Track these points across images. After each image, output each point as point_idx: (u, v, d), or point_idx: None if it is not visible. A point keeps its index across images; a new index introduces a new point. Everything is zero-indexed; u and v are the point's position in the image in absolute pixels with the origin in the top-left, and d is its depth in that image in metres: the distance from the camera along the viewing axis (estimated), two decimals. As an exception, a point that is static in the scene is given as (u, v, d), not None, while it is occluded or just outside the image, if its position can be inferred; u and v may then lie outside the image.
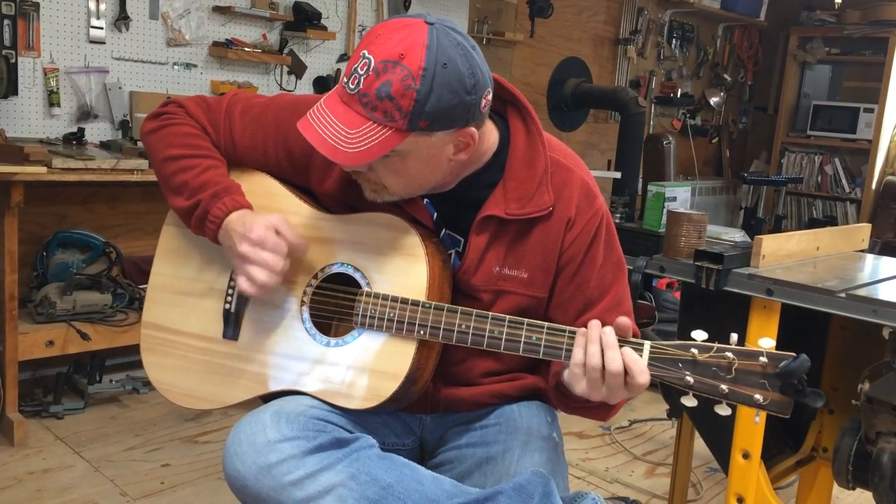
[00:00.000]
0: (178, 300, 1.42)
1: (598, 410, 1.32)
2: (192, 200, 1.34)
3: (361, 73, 1.13)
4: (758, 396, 1.11)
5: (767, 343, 1.13)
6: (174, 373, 1.40)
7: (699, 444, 2.15)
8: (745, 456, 1.78)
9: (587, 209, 1.33)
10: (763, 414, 1.13)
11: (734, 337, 1.14)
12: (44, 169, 2.41)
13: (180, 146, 1.38)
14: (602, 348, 1.16)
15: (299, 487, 1.15)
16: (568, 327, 1.21)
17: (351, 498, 1.15)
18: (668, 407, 2.17)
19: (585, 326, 1.24)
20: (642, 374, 1.14)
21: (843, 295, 1.63)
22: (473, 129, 1.20)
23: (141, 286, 2.87)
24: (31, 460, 2.45)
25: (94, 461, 2.47)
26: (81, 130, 2.93)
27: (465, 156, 1.24)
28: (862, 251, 2.18)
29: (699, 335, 1.15)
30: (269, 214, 1.30)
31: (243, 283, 1.27)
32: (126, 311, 2.85)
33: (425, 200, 1.33)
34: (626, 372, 1.15)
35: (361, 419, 1.30)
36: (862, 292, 1.66)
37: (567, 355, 1.20)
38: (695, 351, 1.14)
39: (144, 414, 2.85)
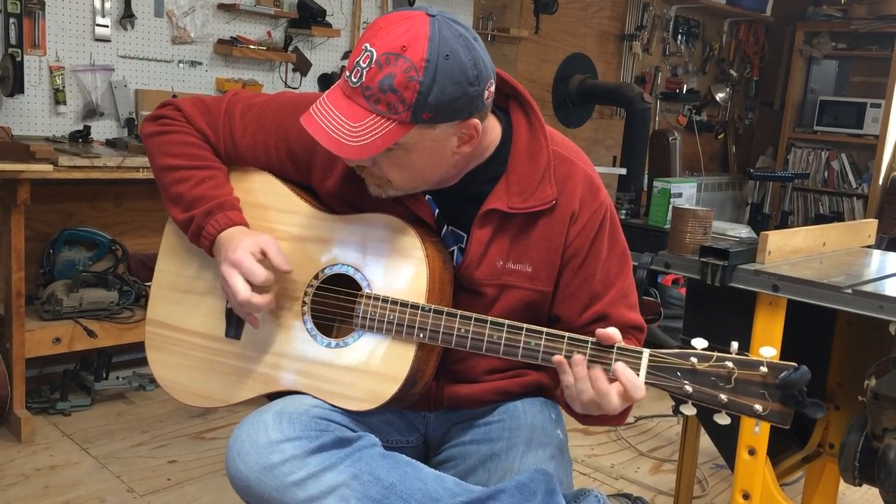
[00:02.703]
0: (181, 298, 1.42)
1: (607, 420, 1.31)
2: (187, 215, 1.35)
3: (364, 65, 1.13)
4: (757, 407, 1.10)
5: (769, 352, 1.11)
6: (178, 370, 1.41)
7: (705, 441, 2.15)
8: (751, 452, 1.78)
9: (591, 202, 1.32)
10: (763, 423, 1.12)
11: (734, 345, 1.13)
12: (50, 167, 2.42)
13: (177, 155, 1.38)
14: (575, 380, 1.18)
15: (302, 488, 1.15)
16: (567, 333, 1.21)
17: (354, 498, 1.15)
18: (673, 404, 2.16)
19: (592, 322, 1.25)
20: (633, 391, 1.15)
21: (849, 291, 1.62)
22: (477, 121, 1.20)
23: (147, 283, 2.88)
24: (38, 457, 2.46)
25: (100, 458, 2.48)
26: (87, 128, 2.93)
27: (468, 148, 1.24)
28: (868, 247, 2.17)
29: (699, 343, 1.14)
30: (260, 235, 1.30)
31: (229, 299, 1.31)
32: (132, 308, 2.86)
33: (427, 196, 1.33)
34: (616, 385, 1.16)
35: (364, 418, 1.29)
36: (868, 288, 1.65)
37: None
38: (694, 360, 1.12)
39: (151, 410, 2.85)
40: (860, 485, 1.77)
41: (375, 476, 1.17)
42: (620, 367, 1.15)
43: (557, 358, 1.19)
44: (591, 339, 1.19)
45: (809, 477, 2.22)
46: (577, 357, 1.18)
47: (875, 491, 1.71)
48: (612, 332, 1.17)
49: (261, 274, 1.26)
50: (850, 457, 1.73)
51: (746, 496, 1.79)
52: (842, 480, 1.85)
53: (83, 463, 2.45)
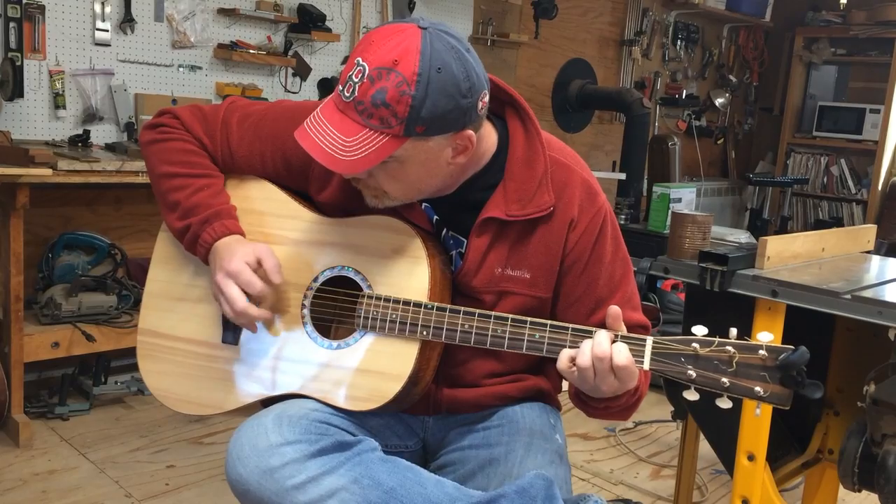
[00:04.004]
0: (174, 306, 1.42)
1: (618, 412, 1.32)
2: (184, 223, 1.35)
3: (356, 80, 1.13)
4: (758, 389, 1.12)
5: (767, 337, 1.14)
6: (172, 379, 1.40)
7: (704, 446, 2.15)
8: (751, 458, 1.77)
9: (590, 208, 1.33)
10: (764, 407, 1.14)
11: (734, 331, 1.15)
12: (49, 171, 2.42)
13: (175, 163, 1.39)
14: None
15: (302, 491, 1.15)
16: (570, 325, 1.21)
17: (353, 501, 1.15)
18: (672, 409, 2.16)
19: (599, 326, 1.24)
20: (616, 355, 1.16)
21: (848, 296, 1.62)
22: (471, 132, 1.21)
23: (146, 288, 2.88)
24: (37, 461, 2.46)
25: (99, 462, 2.48)
26: (87, 132, 2.93)
27: (463, 159, 1.24)
28: (868, 252, 2.17)
29: (699, 330, 1.17)
30: (256, 244, 1.31)
31: (222, 308, 1.30)
32: (131, 313, 2.85)
33: (424, 205, 1.33)
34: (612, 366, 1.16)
35: (364, 422, 1.30)
36: (867, 294, 1.65)
37: None
38: (696, 346, 1.15)
39: (149, 415, 2.85)
40: (860, 490, 1.77)
41: (375, 480, 1.17)
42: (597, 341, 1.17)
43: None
44: (594, 329, 1.20)
45: (809, 483, 2.22)
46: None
47: (874, 497, 1.70)
48: (617, 312, 1.19)
49: (258, 285, 1.27)
50: (849, 462, 1.73)
51: (745, 502, 1.79)
52: (841, 486, 1.85)
53: (81, 468, 2.44)
